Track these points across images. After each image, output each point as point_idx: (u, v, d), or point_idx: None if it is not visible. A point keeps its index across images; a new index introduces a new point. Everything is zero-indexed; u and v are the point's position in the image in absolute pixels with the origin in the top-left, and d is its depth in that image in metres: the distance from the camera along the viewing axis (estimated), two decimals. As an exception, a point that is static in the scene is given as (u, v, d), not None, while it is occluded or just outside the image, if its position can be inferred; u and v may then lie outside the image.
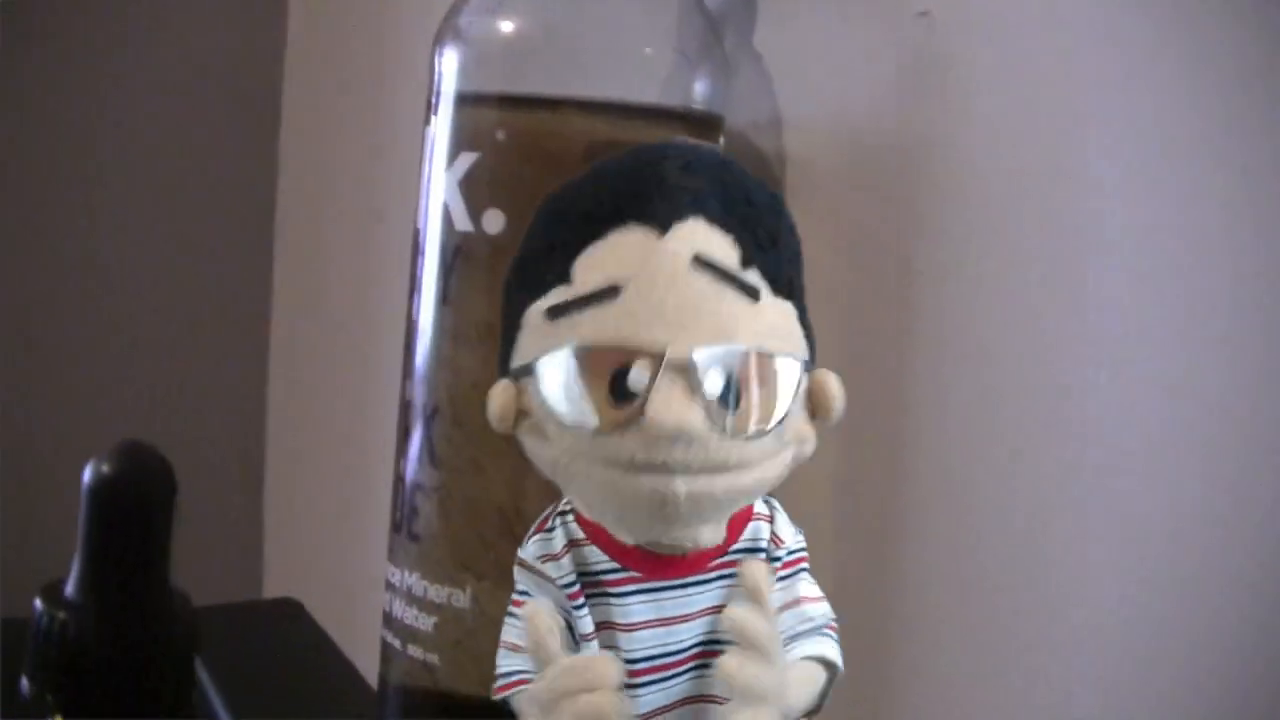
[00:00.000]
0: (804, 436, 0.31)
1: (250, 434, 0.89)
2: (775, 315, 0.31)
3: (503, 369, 0.32)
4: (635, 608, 0.32)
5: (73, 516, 0.74)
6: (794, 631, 0.32)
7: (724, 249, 0.30)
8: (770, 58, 0.46)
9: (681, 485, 0.29)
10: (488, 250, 0.41)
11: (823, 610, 0.33)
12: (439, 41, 0.44)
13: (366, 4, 0.81)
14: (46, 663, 0.28)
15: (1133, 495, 0.35)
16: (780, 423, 0.30)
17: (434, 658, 0.42)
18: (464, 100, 0.42)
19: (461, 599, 0.41)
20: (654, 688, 0.32)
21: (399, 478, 0.44)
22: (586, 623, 0.32)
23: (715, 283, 0.30)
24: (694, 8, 0.44)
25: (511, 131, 0.41)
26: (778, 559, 0.33)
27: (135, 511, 0.29)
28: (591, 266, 0.30)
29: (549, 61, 0.42)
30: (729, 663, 0.29)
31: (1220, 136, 0.33)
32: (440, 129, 0.43)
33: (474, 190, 0.41)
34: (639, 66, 0.43)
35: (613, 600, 0.32)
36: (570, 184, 0.32)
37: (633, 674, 0.31)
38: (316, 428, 0.86)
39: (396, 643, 0.43)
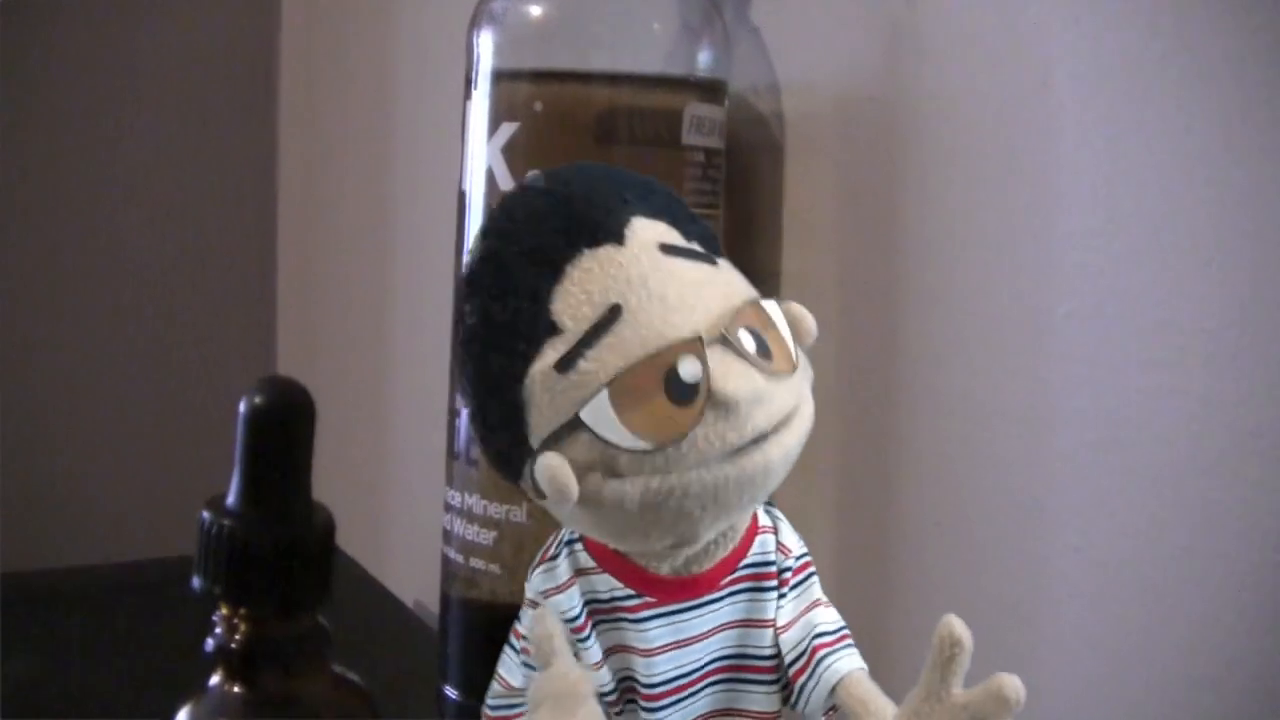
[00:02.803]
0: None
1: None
2: (731, 270, 0.32)
3: (493, 450, 0.31)
4: (654, 632, 0.32)
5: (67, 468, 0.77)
6: (816, 632, 0.33)
7: (669, 234, 0.31)
8: (766, 30, 0.51)
9: (774, 450, 0.29)
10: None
11: (835, 616, 0.33)
12: (474, 26, 0.49)
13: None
14: (213, 561, 0.34)
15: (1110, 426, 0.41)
16: (798, 354, 0.30)
17: (495, 567, 0.48)
18: (500, 76, 0.48)
19: (519, 514, 0.47)
20: (674, 709, 0.32)
21: (454, 411, 0.49)
22: (594, 653, 0.32)
23: (685, 260, 0.30)
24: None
25: (547, 102, 0.46)
26: (788, 568, 0.33)
27: (283, 434, 0.34)
28: (576, 304, 0.29)
29: (572, 39, 0.48)
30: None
31: (1172, 98, 0.39)
32: (479, 103, 0.48)
33: (515, 155, 0.47)
34: (650, 40, 0.49)
35: (629, 626, 0.32)
36: (492, 242, 0.31)
37: (653, 697, 0.32)
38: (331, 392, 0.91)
39: (459, 557, 0.49)
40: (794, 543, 0.33)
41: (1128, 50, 0.40)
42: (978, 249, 0.44)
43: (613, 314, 0.29)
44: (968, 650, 0.29)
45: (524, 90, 0.47)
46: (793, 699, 0.33)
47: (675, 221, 0.31)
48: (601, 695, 0.31)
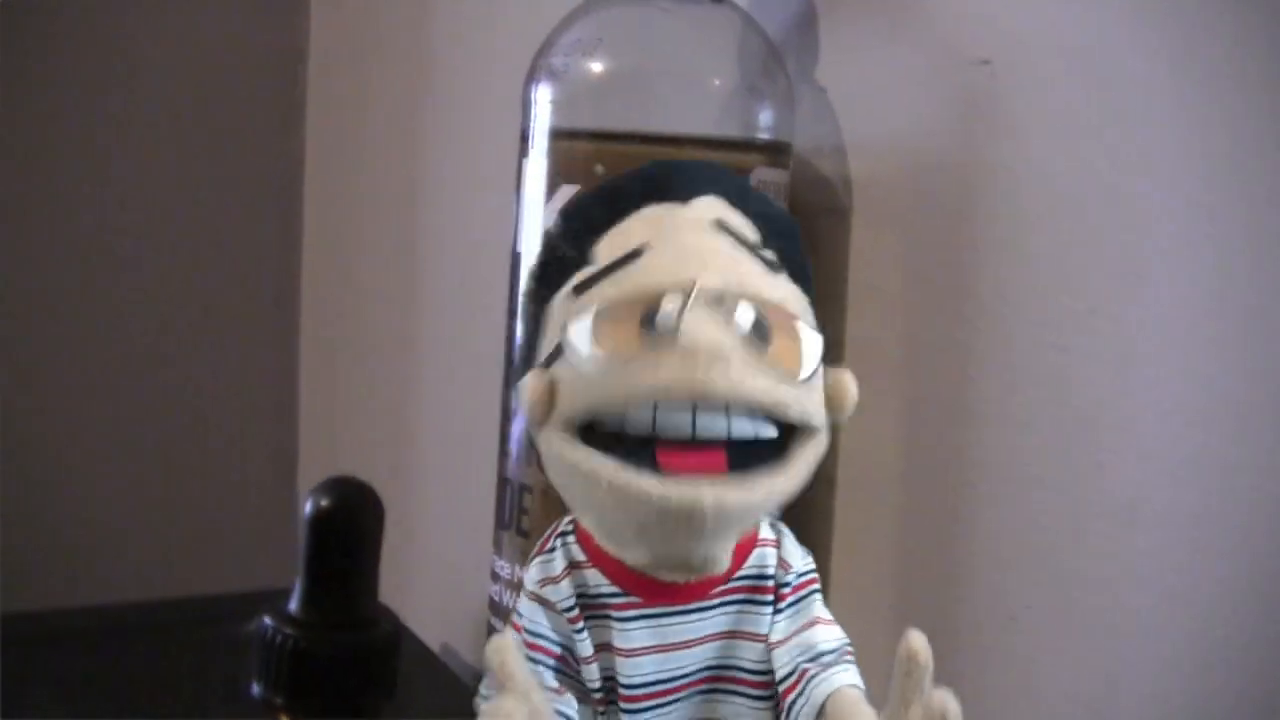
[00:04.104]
0: (822, 425, 0.30)
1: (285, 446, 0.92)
2: (794, 291, 0.31)
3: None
4: (636, 633, 0.31)
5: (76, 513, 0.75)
6: (813, 653, 0.32)
7: (744, 226, 0.31)
8: (832, 90, 0.49)
9: (709, 493, 0.28)
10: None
11: (838, 634, 0.32)
12: (531, 80, 0.47)
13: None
14: (275, 671, 0.32)
15: (1176, 509, 0.40)
16: (810, 377, 0.30)
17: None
18: (559, 135, 0.46)
19: (569, 590, 0.46)
20: (654, 713, 0.32)
21: (503, 479, 0.48)
22: (585, 646, 0.31)
23: (736, 246, 0.30)
24: (760, 44, 0.48)
25: (608, 165, 0.45)
26: (786, 584, 0.32)
27: (349, 539, 0.33)
28: (613, 242, 0.30)
29: (633, 97, 0.46)
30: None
31: (1258, 175, 0.37)
32: (536, 162, 0.47)
33: (575, 219, 0.45)
34: (712, 98, 0.47)
35: (614, 625, 0.31)
36: (584, 193, 0.33)
37: (633, 699, 0.32)
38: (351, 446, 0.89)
39: (506, 630, 0.47)
40: (797, 558, 0.33)
41: (1237, 134, 0.38)
42: (1059, 329, 0.42)
43: (635, 253, 0.29)
44: (923, 666, 0.28)
45: (583, 150, 0.45)
46: (784, 717, 0.32)
47: (759, 227, 0.31)
48: (590, 693, 0.32)
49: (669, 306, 0.28)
